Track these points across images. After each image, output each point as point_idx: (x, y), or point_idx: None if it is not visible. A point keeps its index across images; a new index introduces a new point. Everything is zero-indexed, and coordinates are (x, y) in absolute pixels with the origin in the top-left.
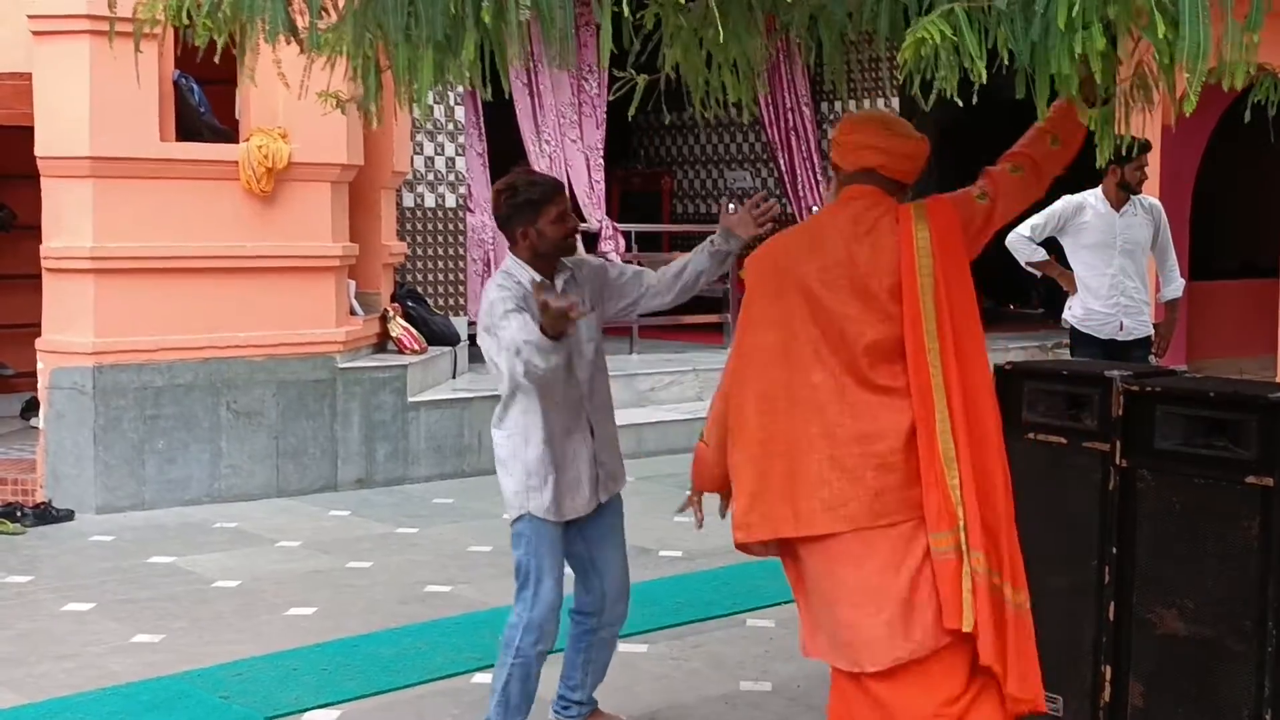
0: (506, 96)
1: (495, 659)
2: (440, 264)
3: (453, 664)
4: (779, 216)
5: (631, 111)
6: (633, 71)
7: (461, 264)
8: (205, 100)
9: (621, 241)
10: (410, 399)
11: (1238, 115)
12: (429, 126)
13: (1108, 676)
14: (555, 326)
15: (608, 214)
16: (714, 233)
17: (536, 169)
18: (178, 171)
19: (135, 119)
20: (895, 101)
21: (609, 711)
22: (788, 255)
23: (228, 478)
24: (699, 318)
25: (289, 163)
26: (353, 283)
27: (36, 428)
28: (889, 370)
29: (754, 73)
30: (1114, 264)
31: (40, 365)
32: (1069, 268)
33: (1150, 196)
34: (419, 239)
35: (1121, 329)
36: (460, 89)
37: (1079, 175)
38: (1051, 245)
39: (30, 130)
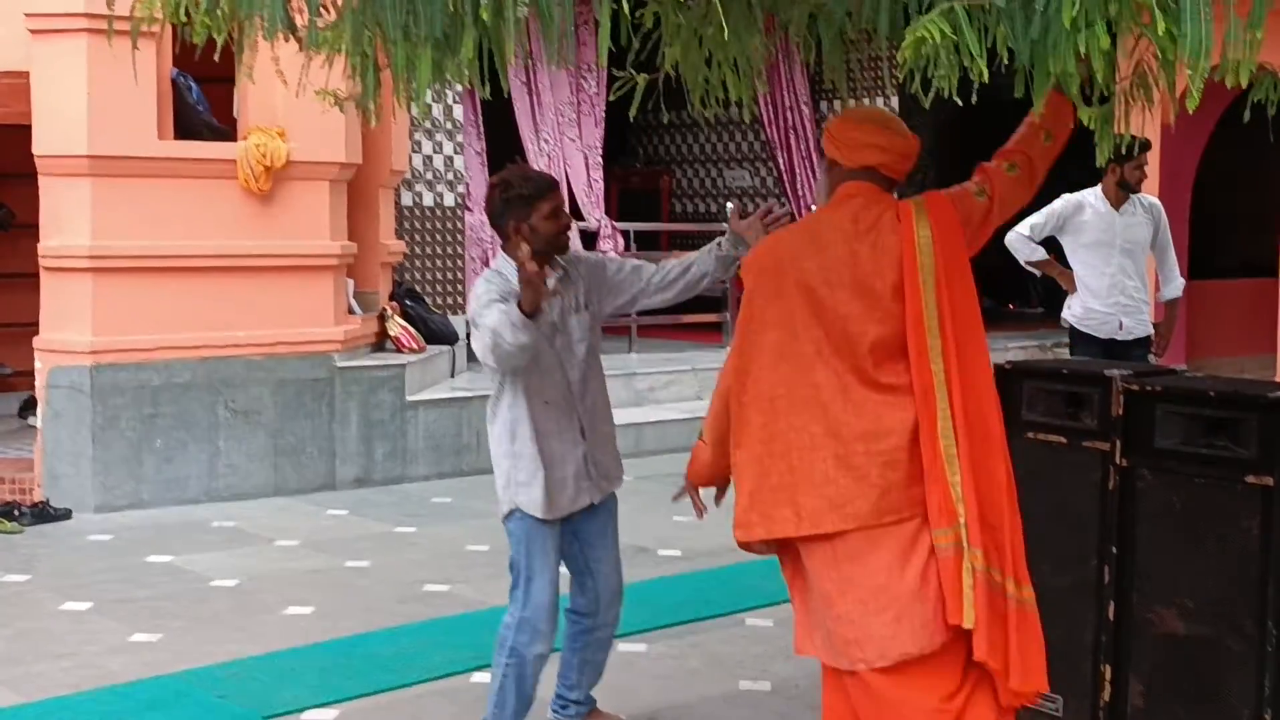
0: (505, 95)
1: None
2: (438, 263)
3: (451, 663)
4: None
5: (633, 112)
6: (632, 71)
7: (460, 263)
8: (203, 99)
9: (620, 240)
10: (408, 398)
11: (1237, 114)
12: (427, 125)
13: (1107, 676)
14: (531, 295)
15: (606, 213)
16: (714, 233)
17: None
18: (176, 170)
19: (133, 117)
20: (895, 100)
21: (608, 711)
22: (788, 254)
23: (226, 477)
24: (698, 317)
25: (287, 161)
26: (351, 281)
27: (34, 426)
28: (892, 368)
29: (754, 71)
30: (1113, 263)
31: (38, 364)
32: (1068, 267)
33: (1150, 195)
34: (417, 238)
35: (1121, 328)
36: (458, 87)
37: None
38: (1051, 244)
39: (28, 129)
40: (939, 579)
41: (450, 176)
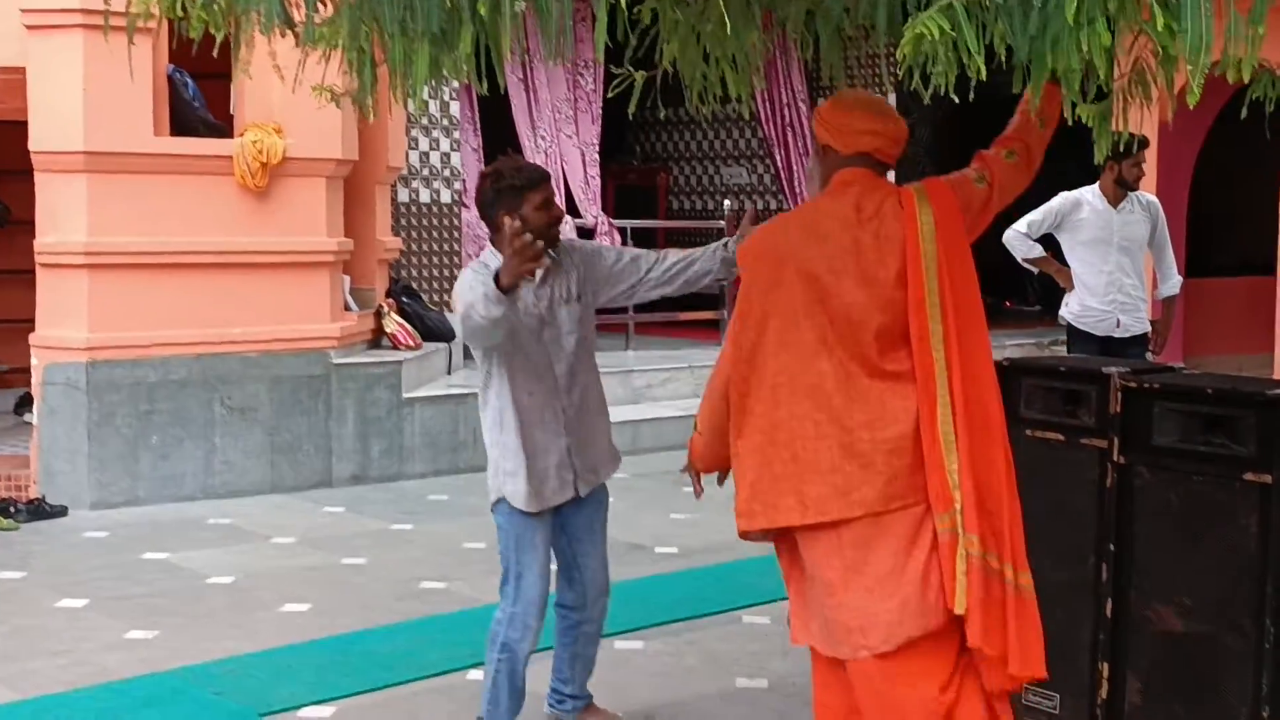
0: (502, 91)
1: None
2: (435, 259)
3: (448, 660)
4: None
5: (631, 109)
6: (630, 68)
7: (456, 259)
8: (200, 95)
9: (617, 237)
10: (405, 395)
11: (1235, 112)
12: (424, 122)
13: (1105, 674)
14: (514, 266)
15: (603, 210)
16: (712, 230)
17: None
18: (172, 166)
19: (129, 113)
20: (892, 97)
21: (605, 708)
22: (787, 244)
23: (222, 474)
24: (695, 314)
25: (284, 158)
26: (347, 278)
27: (30, 423)
28: (896, 355)
29: (752, 67)
30: (1111, 261)
31: (34, 361)
32: (1066, 264)
33: (1148, 193)
34: (414, 234)
35: (1118, 326)
36: (455, 84)
37: (1077, 173)
38: (1049, 242)
39: (24, 125)
40: (940, 565)
41: (447, 173)
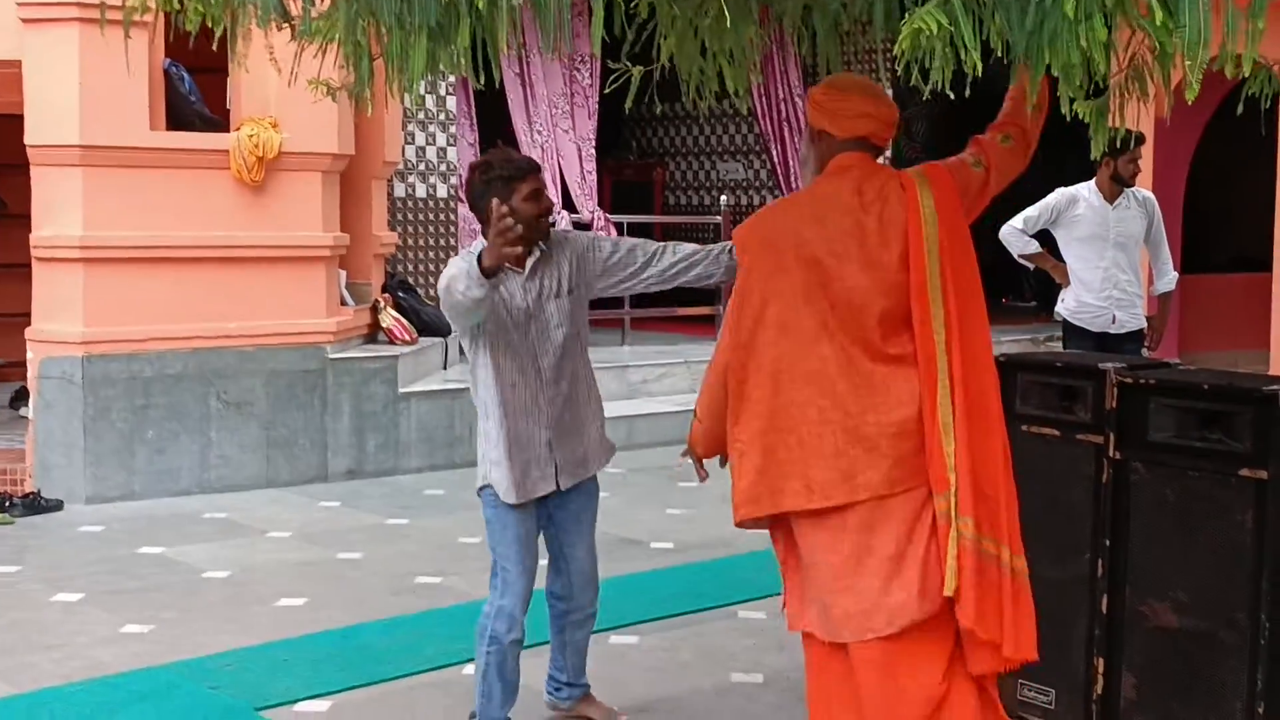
0: (498, 86)
1: None
2: (431, 254)
3: (443, 655)
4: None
5: (629, 105)
6: (627, 63)
7: (453, 254)
8: (196, 89)
9: (613, 232)
10: (401, 390)
11: (1231, 108)
12: (420, 116)
13: (1100, 669)
14: (498, 246)
15: (599, 205)
16: (708, 226)
17: None
18: (168, 160)
19: (125, 107)
20: (890, 92)
21: (601, 702)
22: (788, 228)
23: (218, 468)
24: (691, 310)
25: (280, 152)
26: (343, 273)
27: (26, 417)
28: (899, 339)
29: (749, 62)
30: (1107, 257)
31: (30, 355)
32: (1062, 260)
33: (1144, 189)
34: (410, 229)
35: (1114, 322)
36: (452, 79)
37: (1074, 169)
38: (1045, 238)
39: (20, 119)
40: (939, 547)
41: (443, 168)
